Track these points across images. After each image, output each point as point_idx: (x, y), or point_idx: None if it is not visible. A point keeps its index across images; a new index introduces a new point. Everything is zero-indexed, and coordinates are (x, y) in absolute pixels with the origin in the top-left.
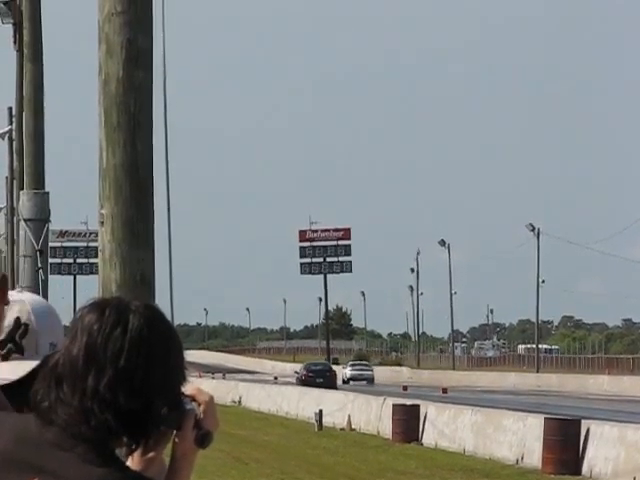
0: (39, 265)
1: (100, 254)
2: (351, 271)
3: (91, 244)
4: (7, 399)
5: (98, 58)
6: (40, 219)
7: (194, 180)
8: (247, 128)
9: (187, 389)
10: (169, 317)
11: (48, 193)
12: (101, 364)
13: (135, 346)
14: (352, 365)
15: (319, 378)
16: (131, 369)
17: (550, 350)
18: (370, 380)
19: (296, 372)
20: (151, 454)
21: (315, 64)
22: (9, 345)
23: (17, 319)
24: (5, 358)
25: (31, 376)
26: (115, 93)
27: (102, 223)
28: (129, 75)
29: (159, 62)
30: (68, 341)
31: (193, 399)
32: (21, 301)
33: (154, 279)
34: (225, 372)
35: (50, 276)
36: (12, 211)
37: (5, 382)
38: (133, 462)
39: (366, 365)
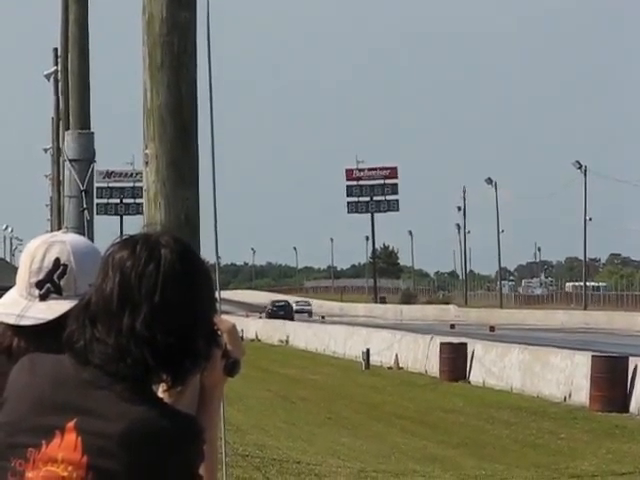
0: (84, 206)
1: (145, 194)
2: (398, 210)
3: (137, 184)
4: (44, 340)
5: None
6: (85, 159)
7: (240, 119)
8: (293, 67)
9: None
10: (214, 257)
11: (93, 133)
12: (136, 301)
13: (169, 281)
14: (296, 303)
15: (280, 311)
16: (166, 304)
17: (598, 287)
18: (309, 313)
19: (267, 307)
20: (180, 387)
21: (362, 3)
22: (47, 285)
23: (57, 259)
24: (43, 298)
25: (67, 317)
26: (159, 33)
27: (146, 163)
28: (172, 15)
29: (203, 1)
30: (100, 279)
31: (216, 328)
32: (62, 242)
33: (199, 219)
34: None
35: (97, 216)
36: (58, 152)
37: (41, 321)
38: (164, 396)
39: (305, 302)
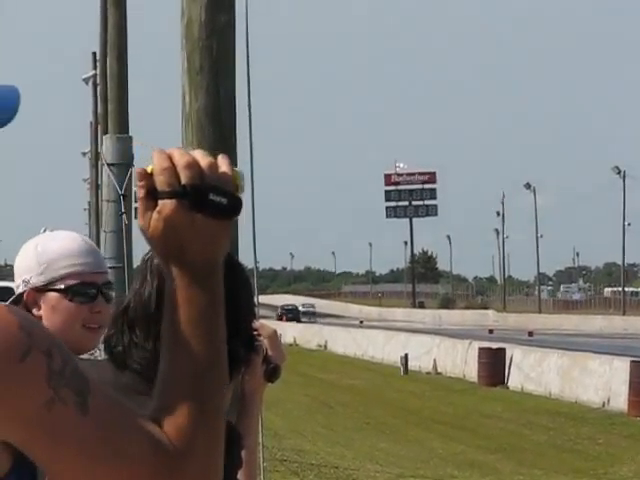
0: (123, 210)
1: None
2: (436, 215)
3: None
4: None
5: (181, 1)
6: (123, 163)
7: (279, 124)
8: (332, 69)
9: None
10: (252, 262)
11: (131, 137)
12: None
13: None
14: (302, 305)
15: (289, 314)
16: None
17: (636, 293)
18: (314, 314)
19: (277, 311)
20: None
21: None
22: None
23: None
24: None
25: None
26: (197, 37)
27: None
28: (211, 19)
29: (242, 5)
30: (138, 284)
31: (257, 334)
32: None
33: (237, 223)
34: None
35: (134, 220)
36: (96, 156)
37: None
38: None
39: (311, 304)
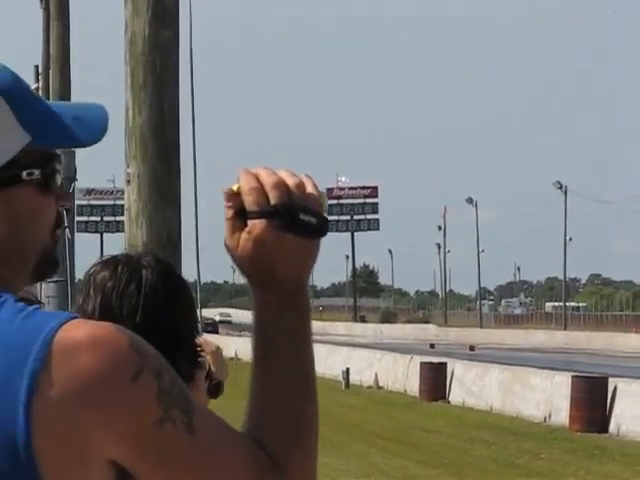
0: (65, 224)
1: (126, 213)
2: (378, 229)
3: (118, 202)
4: None
5: (124, 17)
6: (66, 177)
7: (221, 138)
8: (274, 83)
9: None
10: (195, 276)
11: (74, 152)
12: (117, 322)
13: (150, 302)
14: (220, 314)
15: (209, 328)
16: (147, 325)
17: (578, 308)
18: (230, 322)
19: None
20: None
21: (348, 15)
22: None
23: None
24: None
25: None
26: (141, 52)
27: (128, 182)
28: (155, 33)
29: (185, 20)
30: (81, 300)
31: (200, 350)
32: None
33: (180, 238)
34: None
35: (77, 234)
36: None
37: None
38: None
39: (227, 314)
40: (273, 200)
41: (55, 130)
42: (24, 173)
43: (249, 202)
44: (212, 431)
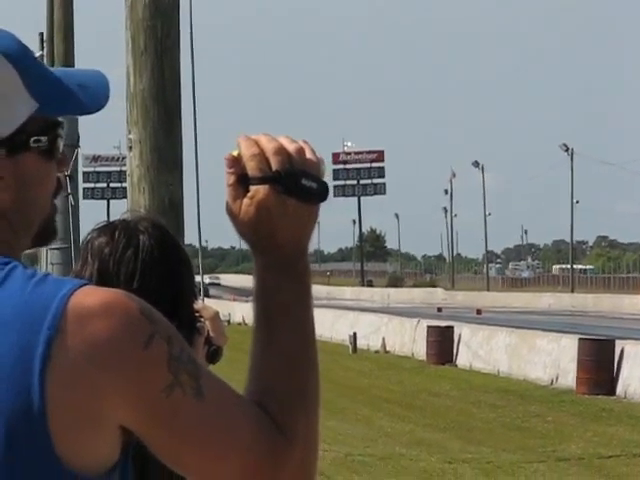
0: (69, 191)
1: (128, 179)
2: (385, 193)
3: (124, 168)
4: None
5: None
6: (69, 145)
7: (224, 103)
8: (280, 49)
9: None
10: (197, 242)
11: (77, 118)
12: (114, 288)
13: (147, 267)
14: (209, 276)
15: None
16: (145, 291)
17: (585, 270)
18: (218, 285)
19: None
20: None
21: None
22: None
23: None
24: None
25: None
26: (142, 18)
27: (130, 148)
28: None
29: None
30: (79, 266)
31: (199, 315)
32: None
33: (183, 203)
34: None
35: (83, 201)
36: None
37: None
38: None
39: (216, 277)
40: (275, 166)
41: (61, 97)
42: (31, 140)
43: (251, 168)
44: (219, 396)
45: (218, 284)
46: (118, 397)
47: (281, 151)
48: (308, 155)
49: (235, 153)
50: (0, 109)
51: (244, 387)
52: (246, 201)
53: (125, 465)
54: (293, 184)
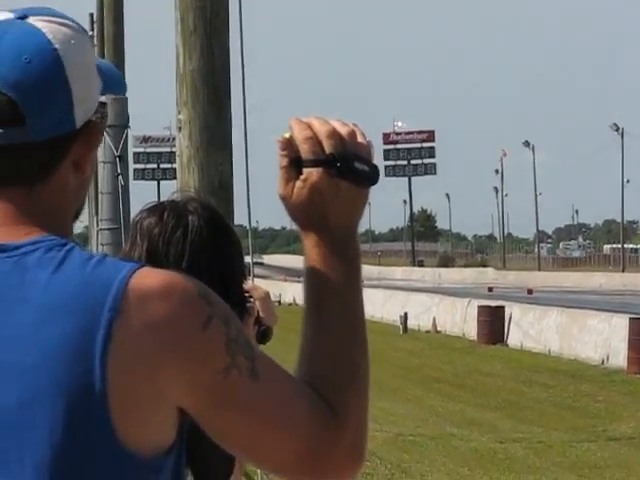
0: (119, 171)
1: (178, 159)
2: (435, 173)
3: (174, 149)
4: None
5: None
6: (119, 125)
7: (274, 83)
8: (331, 28)
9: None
10: (247, 222)
11: (127, 99)
12: (164, 268)
13: (196, 248)
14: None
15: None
16: (194, 271)
17: (636, 250)
18: (262, 264)
19: None
20: None
21: None
22: None
23: None
24: None
25: None
26: None
27: (180, 129)
28: None
29: None
30: (128, 247)
31: (249, 296)
32: None
33: (232, 184)
34: None
35: (134, 182)
36: None
37: None
38: None
39: (260, 256)
40: (328, 149)
41: (110, 77)
42: (94, 117)
43: (305, 150)
44: (273, 378)
45: (261, 263)
46: (177, 378)
47: (334, 134)
48: (359, 138)
49: (287, 135)
50: (93, 83)
51: (295, 369)
52: (299, 184)
53: (180, 448)
54: (346, 167)
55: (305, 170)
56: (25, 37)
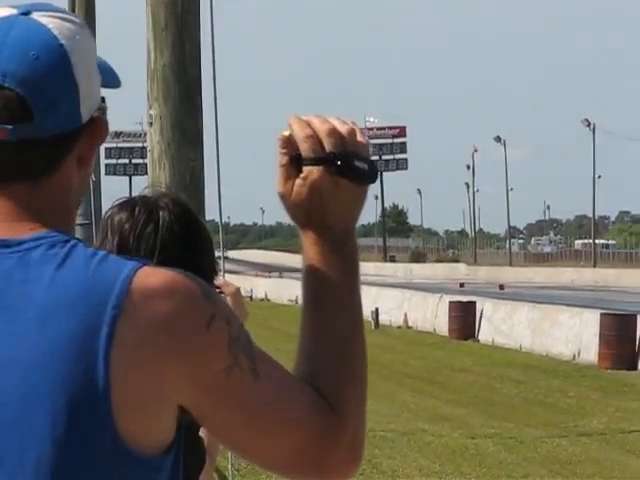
0: None
1: (149, 155)
2: (407, 168)
3: (146, 144)
4: None
5: None
6: None
7: (244, 80)
8: (300, 26)
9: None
10: (218, 218)
11: (103, 97)
12: None
13: (167, 243)
14: (217, 251)
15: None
16: (165, 267)
17: (607, 245)
18: (227, 258)
19: None
20: None
21: None
22: None
23: None
24: None
25: None
26: None
27: (151, 124)
28: None
29: None
30: (99, 242)
31: (220, 292)
32: None
33: (204, 179)
34: (282, 271)
35: (106, 177)
36: None
37: None
38: None
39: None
40: (328, 147)
41: (104, 72)
42: (97, 112)
43: (305, 149)
44: (274, 377)
45: (226, 257)
46: (180, 377)
47: (334, 133)
48: (359, 137)
49: (287, 133)
50: (96, 78)
51: (294, 367)
52: (299, 182)
53: (179, 447)
54: (346, 165)
55: (305, 168)
56: (31, 33)
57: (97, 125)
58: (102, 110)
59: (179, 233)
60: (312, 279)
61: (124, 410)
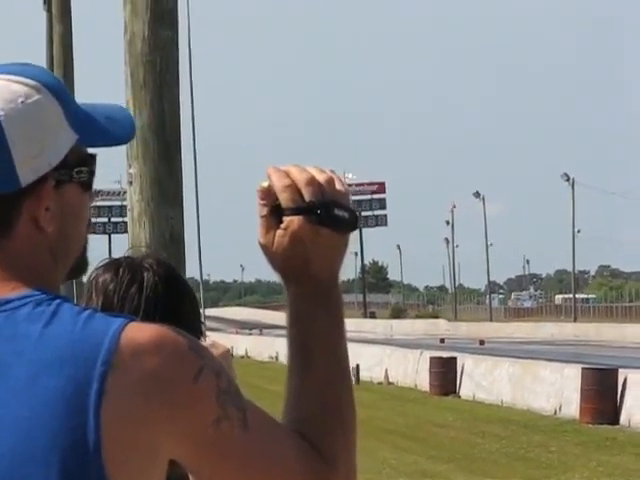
0: None
1: (129, 213)
2: (386, 225)
3: (125, 203)
4: None
5: (123, 17)
6: None
7: (221, 136)
8: (278, 79)
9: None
10: (198, 275)
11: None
12: None
13: (152, 304)
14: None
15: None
16: None
17: (587, 300)
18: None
19: None
20: None
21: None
22: None
23: None
24: None
25: None
26: (140, 52)
27: (130, 183)
28: (154, 34)
29: (184, 20)
30: (84, 303)
31: None
32: None
33: (184, 237)
34: (262, 328)
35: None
36: None
37: None
38: None
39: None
40: (308, 197)
41: (96, 129)
42: (74, 171)
43: (285, 199)
44: (264, 427)
45: (207, 316)
46: (170, 430)
47: (313, 182)
48: (338, 185)
49: (266, 184)
50: (48, 140)
51: (282, 417)
52: (280, 232)
53: None
54: (326, 214)
55: (285, 218)
56: None
57: (44, 187)
58: (78, 169)
59: (163, 293)
60: (297, 328)
61: (116, 464)
